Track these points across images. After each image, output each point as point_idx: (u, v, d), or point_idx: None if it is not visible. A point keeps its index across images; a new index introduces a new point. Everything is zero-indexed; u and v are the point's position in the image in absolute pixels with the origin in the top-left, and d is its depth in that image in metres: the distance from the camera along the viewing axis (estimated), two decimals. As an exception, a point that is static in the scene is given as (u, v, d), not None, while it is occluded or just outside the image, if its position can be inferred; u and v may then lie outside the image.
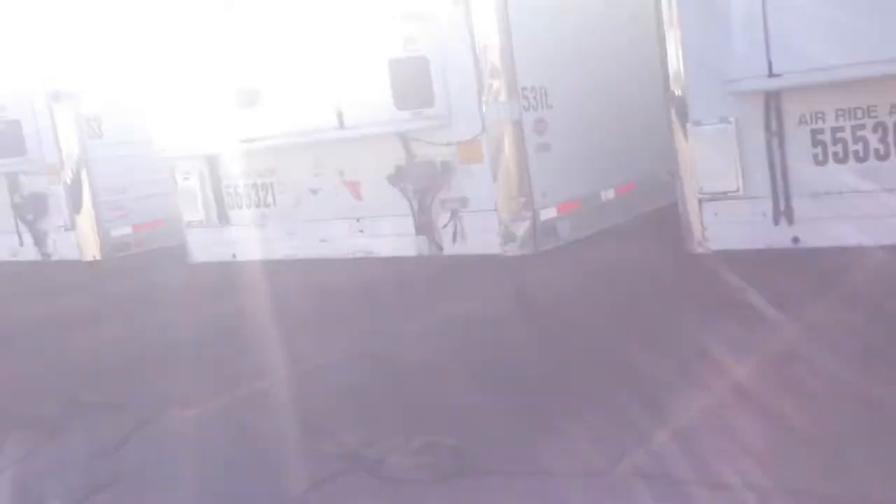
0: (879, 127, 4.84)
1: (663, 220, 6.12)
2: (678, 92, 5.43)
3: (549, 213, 6.38)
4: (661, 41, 5.43)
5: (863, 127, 4.88)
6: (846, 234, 5.03)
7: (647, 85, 5.97)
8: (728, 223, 5.41)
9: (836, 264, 6.04)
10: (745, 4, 4.66)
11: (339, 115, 6.54)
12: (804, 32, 4.51)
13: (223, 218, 8.15)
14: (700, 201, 5.48)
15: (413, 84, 6.14)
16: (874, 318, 6.50)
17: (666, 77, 5.48)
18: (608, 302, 7.18)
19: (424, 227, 6.67)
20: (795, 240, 5.19)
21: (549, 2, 6.50)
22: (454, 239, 6.58)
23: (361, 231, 7.22)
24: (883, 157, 4.86)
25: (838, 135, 4.96)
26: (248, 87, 6.86)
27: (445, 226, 6.60)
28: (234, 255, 8.11)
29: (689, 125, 5.40)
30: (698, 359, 6.19)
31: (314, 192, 7.42)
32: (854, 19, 4.37)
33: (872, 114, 4.85)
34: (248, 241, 7.96)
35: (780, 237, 5.23)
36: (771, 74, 4.65)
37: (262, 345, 7.16)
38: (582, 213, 6.74)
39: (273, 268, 7.83)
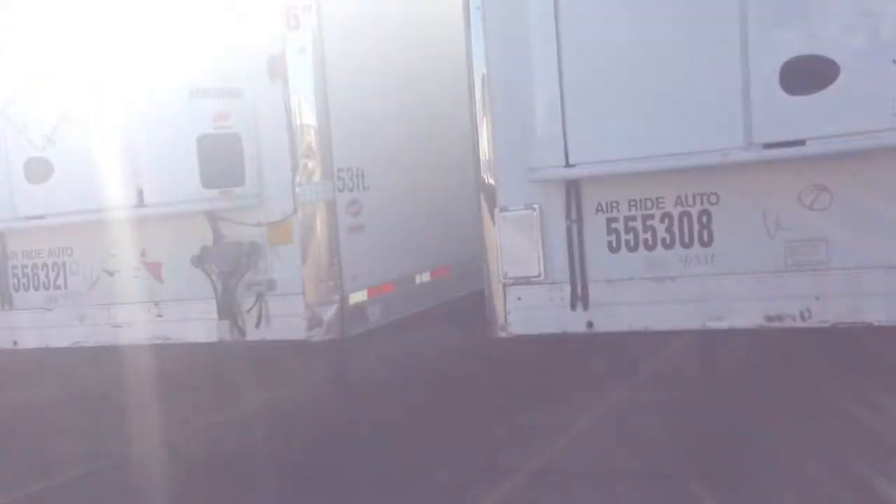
0: (666, 217, 5.17)
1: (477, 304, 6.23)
2: (488, 178, 5.61)
3: (358, 297, 6.29)
4: (474, 129, 5.62)
5: (652, 217, 5.20)
6: (635, 320, 5.27)
7: (464, 169, 6.12)
8: (529, 308, 5.52)
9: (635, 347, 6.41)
10: (547, 99, 4.93)
11: (140, 192, 6.21)
12: (597, 127, 4.82)
13: (6, 301, 7.42)
14: (504, 286, 5.58)
15: (223, 162, 5.95)
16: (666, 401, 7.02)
17: (477, 163, 5.65)
18: (411, 389, 7.32)
19: (228, 311, 6.35)
20: (590, 324, 5.37)
21: (368, 83, 6.54)
22: (258, 324, 6.32)
23: (160, 315, 6.79)
24: (669, 246, 5.18)
25: (630, 224, 5.26)
26: (40, 160, 6.44)
27: (250, 310, 6.34)
28: (14, 343, 7.38)
29: (496, 210, 5.55)
30: (496, 446, 6.39)
31: (111, 273, 6.94)
32: (642, 117, 4.71)
33: (660, 205, 5.18)
34: (32, 326, 7.29)
35: (575, 322, 5.39)
36: (567, 165, 4.90)
37: (33, 446, 6.67)
38: (395, 297, 6.69)
39: (60, 356, 7.33)
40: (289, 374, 7.57)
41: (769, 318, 4.99)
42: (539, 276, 5.49)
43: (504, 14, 5.22)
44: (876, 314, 4.76)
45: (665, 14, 4.58)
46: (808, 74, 4.23)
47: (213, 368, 7.53)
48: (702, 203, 5.09)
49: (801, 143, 4.34)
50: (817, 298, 4.86)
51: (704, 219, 5.09)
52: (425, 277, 7.10)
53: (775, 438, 5.85)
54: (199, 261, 6.43)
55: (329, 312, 6.11)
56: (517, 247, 5.51)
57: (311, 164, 6.01)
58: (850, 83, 4.17)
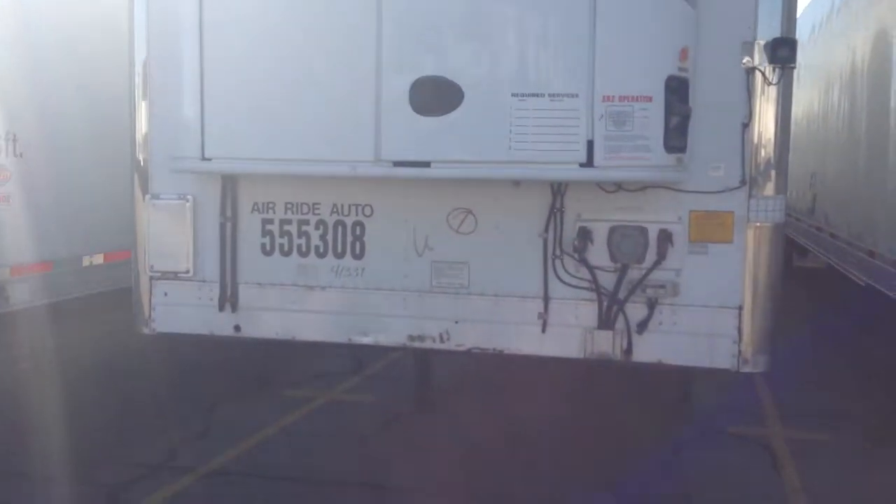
0: (321, 225, 4.94)
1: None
2: (142, 161, 5.15)
3: (-2, 275, 5.64)
4: (132, 110, 5.16)
5: (307, 223, 4.96)
6: (283, 327, 5.04)
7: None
8: (176, 305, 5.16)
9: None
10: (189, 88, 4.56)
11: None
12: (234, 124, 4.50)
13: None
14: (151, 279, 5.17)
15: None
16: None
17: (133, 144, 5.19)
18: (87, 377, 6.72)
19: None
20: (237, 328, 5.09)
21: (25, 41, 5.88)
22: None
23: None
24: (322, 254, 4.96)
25: (286, 227, 4.99)
26: None
27: None
28: None
29: (147, 197, 5.12)
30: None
31: None
32: (278, 120, 4.43)
33: (316, 211, 4.95)
34: None
35: (223, 324, 5.09)
36: (203, 158, 4.54)
37: None
38: (52, 277, 6.08)
39: None
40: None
41: (412, 338, 4.91)
42: (188, 272, 5.12)
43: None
44: (508, 342, 4.78)
45: (304, 23, 4.32)
46: (435, 96, 4.12)
47: None
48: (356, 214, 4.91)
49: (427, 164, 4.22)
50: (456, 322, 4.82)
51: (358, 230, 4.92)
52: (97, 260, 6.52)
53: (450, 451, 5.84)
54: None
55: (-48, 290, 5.43)
56: (167, 238, 5.11)
57: (-60, 120, 5.28)
58: (473, 110, 4.10)
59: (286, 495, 5.40)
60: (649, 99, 3.99)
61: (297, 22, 4.31)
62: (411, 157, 4.22)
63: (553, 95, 4.00)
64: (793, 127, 12.82)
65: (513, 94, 4.03)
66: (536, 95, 4.02)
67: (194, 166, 4.62)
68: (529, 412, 6.61)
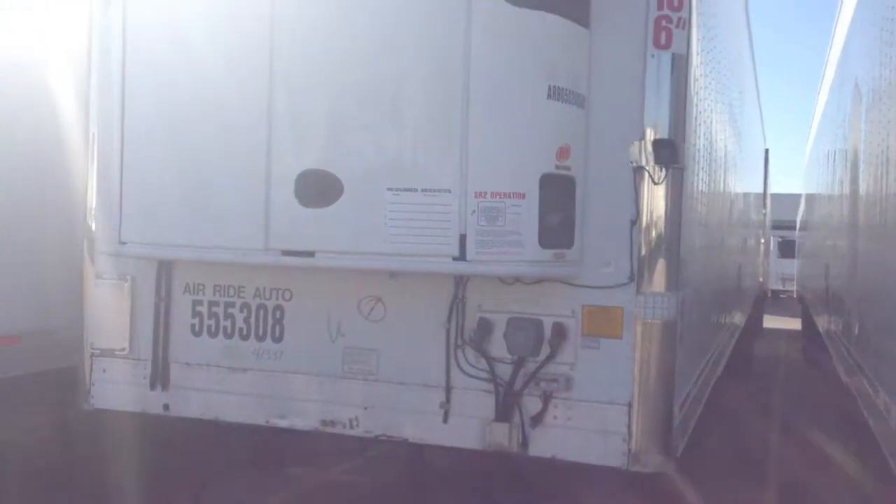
0: (245, 307, 5.14)
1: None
2: (90, 243, 5.49)
3: None
4: (88, 187, 5.45)
5: (233, 305, 5.17)
6: (207, 407, 5.19)
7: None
8: (113, 382, 5.38)
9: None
10: (112, 176, 4.85)
11: None
12: (146, 210, 4.77)
13: None
14: (92, 356, 5.44)
15: None
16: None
17: (87, 224, 5.52)
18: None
19: None
20: (166, 407, 5.27)
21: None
22: None
23: None
24: (245, 336, 5.14)
25: (213, 309, 5.20)
26: None
27: None
28: None
29: (92, 276, 5.44)
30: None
31: None
32: (185, 208, 4.68)
33: (241, 294, 5.15)
34: None
35: (154, 402, 5.28)
36: (120, 242, 4.82)
37: None
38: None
39: None
40: None
41: (324, 423, 4.99)
42: (124, 350, 5.36)
43: (105, 83, 5.11)
44: (412, 431, 4.82)
45: (203, 112, 4.58)
46: (318, 189, 4.30)
47: None
48: (277, 298, 5.09)
49: (312, 254, 4.38)
50: (365, 408, 4.89)
51: (278, 314, 5.09)
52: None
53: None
54: None
55: None
56: (108, 317, 5.39)
57: None
58: (352, 203, 4.26)
59: None
60: (522, 196, 4.07)
61: (202, 116, 4.58)
62: (297, 247, 4.40)
63: (426, 190, 4.14)
64: (817, 217, 12.30)
65: (388, 189, 4.19)
66: (410, 190, 4.16)
67: (112, 249, 4.91)
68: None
